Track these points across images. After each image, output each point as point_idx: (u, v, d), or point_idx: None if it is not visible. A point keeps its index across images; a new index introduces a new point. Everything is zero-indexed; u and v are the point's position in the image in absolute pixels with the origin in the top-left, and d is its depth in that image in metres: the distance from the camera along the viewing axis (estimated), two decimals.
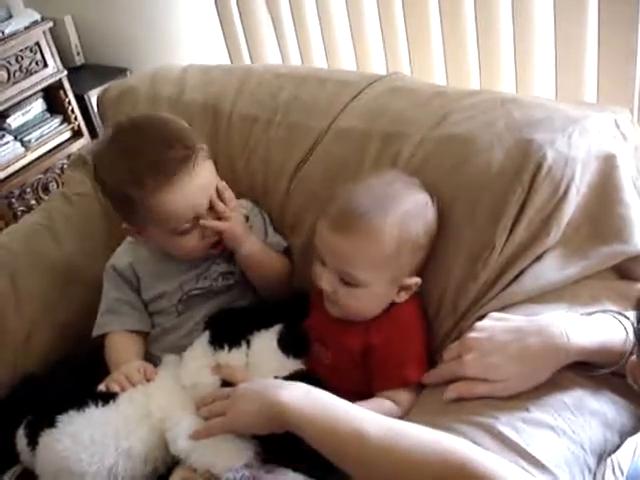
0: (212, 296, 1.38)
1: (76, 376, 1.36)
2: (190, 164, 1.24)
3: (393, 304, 1.20)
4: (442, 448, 0.88)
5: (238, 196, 1.40)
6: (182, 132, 1.30)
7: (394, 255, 1.13)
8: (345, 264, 1.15)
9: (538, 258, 1.15)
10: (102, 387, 1.26)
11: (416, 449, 0.89)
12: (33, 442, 1.19)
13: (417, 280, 1.19)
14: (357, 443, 0.92)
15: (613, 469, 1.21)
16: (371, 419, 0.94)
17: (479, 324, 1.07)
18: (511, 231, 1.15)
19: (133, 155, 1.25)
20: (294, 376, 1.17)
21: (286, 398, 0.99)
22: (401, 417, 1.11)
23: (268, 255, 1.38)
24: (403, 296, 1.19)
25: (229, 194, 1.33)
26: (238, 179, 1.49)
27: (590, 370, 1.01)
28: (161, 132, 1.28)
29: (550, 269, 1.14)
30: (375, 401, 1.16)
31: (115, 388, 1.24)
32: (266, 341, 1.25)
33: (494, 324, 1.06)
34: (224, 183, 1.34)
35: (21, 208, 2.63)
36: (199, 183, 1.26)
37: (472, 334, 1.06)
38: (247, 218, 1.41)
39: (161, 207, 1.24)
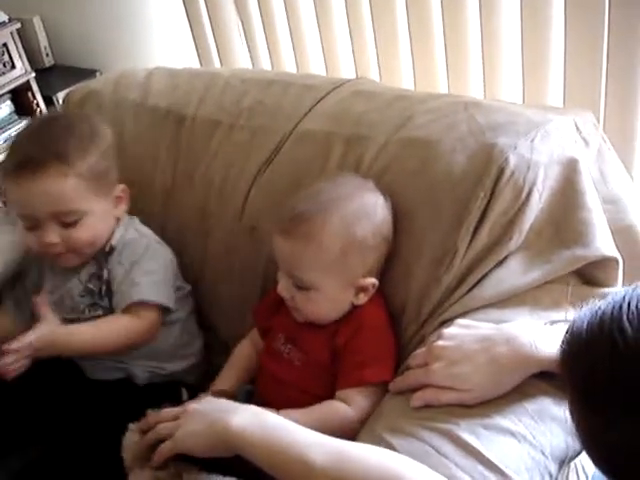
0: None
1: None
2: (36, 170, 1.25)
3: (357, 306, 1.19)
4: (386, 474, 0.87)
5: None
6: (59, 140, 1.30)
7: (340, 257, 1.14)
8: (293, 268, 1.17)
9: (500, 262, 1.15)
10: None
11: (360, 477, 0.88)
12: None
13: (373, 281, 1.18)
14: (303, 471, 0.90)
15: (577, 473, 1.21)
16: (318, 446, 0.92)
17: (446, 331, 1.06)
18: (473, 235, 1.15)
19: (15, 146, 1.37)
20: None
21: (234, 424, 0.97)
22: (356, 420, 1.12)
23: (93, 345, 1.30)
24: (362, 298, 1.19)
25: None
26: (194, 183, 1.50)
27: (555, 379, 1.01)
28: (46, 134, 1.33)
29: (512, 273, 1.14)
30: (327, 405, 1.15)
31: None
32: None
33: (462, 332, 1.06)
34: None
35: None
36: (39, 190, 1.26)
37: (440, 342, 1.05)
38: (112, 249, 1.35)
39: (7, 194, 1.31)
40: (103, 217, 1.33)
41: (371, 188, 1.20)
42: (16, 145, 1.37)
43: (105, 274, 1.33)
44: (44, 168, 1.25)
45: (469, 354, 1.01)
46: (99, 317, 1.34)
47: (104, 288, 1.33)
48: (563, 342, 0.74)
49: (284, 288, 1.19)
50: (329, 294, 1.17)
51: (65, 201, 1.27)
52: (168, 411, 1.08)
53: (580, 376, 0.71)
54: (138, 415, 1.13)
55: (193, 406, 1.05)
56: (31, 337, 1.21)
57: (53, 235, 1.28)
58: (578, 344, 0.71)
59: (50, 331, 1.25)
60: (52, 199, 1.26)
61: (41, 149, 1.28)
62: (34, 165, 1.25)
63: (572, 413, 0.74)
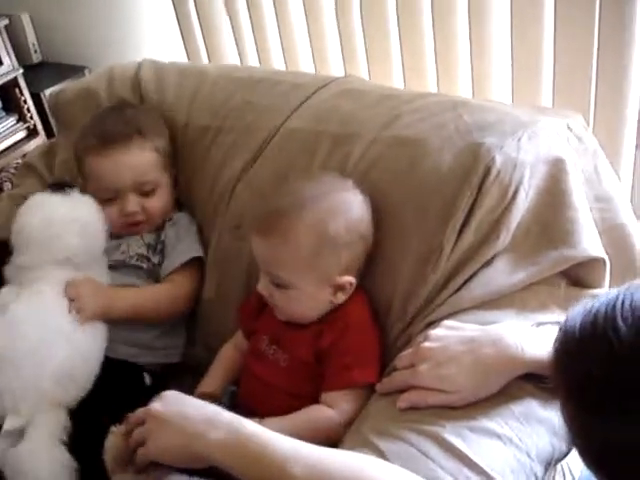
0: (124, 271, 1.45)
1: None
2: (122, 143, 1.41)
3: (341, 307, 1.19)
4: None
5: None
6: (137, 119, 1.48)
7: (313, 254, 1.14)
8: (268, 265, 1.18)
9: (488, 263, 1.14)
10: None
11: None
12: None
13: (350, 279, 1.17)
14: None
15: (564, 474, 1.20)
16: (297, 458, 0.89)
17: (433, 333, 1.06)
18: (460, 234, 1.14)
19: (95, 124, 1.48)
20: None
21: (211, 442, 0.93)
22: (341, 424, 1.11)
23: (147, 300, 1.42)
24: (341, 297, 1.18)
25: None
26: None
27: (541, 381, 1.00)
28: (124, 113, 1.50)
29: (500, 274, 1.14)
30: (311, 410, 1.15)
31: None
32: None
33: (448, 334, 1.05)
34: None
35: None
36: (124, 161, 1.42)
37: (426, 344, 1.05)
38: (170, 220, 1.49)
39: (91, 167, 1.44)
40: (169, 191, 1.49)
41: (349, 187, 1.20)
42: (94, 125, 1.48)
43: (162, 236, 1.47)
44: (129, 141, 1.42)
45: (455, 355, 1.01)
46: (140, 269, 1.45)
47: (159, 247, 1.46)
48: (556, 341, 0.73)
49: (263, 286, 1.20)
50: (306, 292, 1.17)
51: (146, 171, 1.44)
52: (133, 415, 1.03)
53: (574, 376, 0.70)
54: (99, 397, 1.27)
55: (157, 409, 0.99)
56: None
57: (134, 204, 1.43)
58: (572, 343, 0.70)
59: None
60: (135, 169, 1.42)
61: (124, 125, 1.44)
62: (119, 138, 1.42)
63: (565, 413, 0.73)
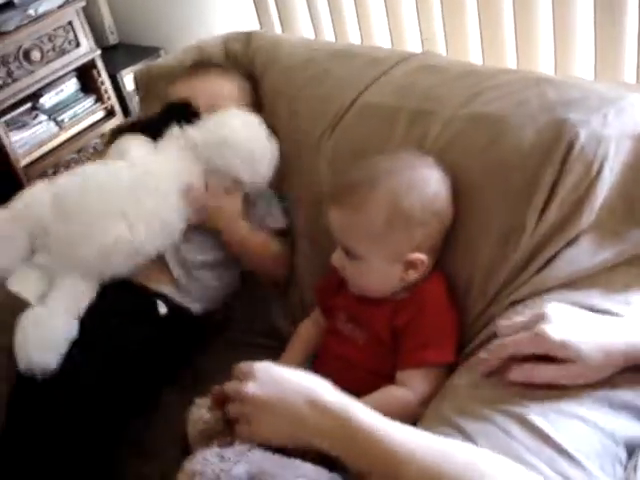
0: None
1: None
2: (204, 71, 1.55)
3: (417, 285, 1.18)
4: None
5: None
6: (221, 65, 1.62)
7: (385, 228, 1.14)
8: (342, 236, 1.19)
9: (571, 241, 1.11)
10: None
11: None
12: None
13: (421, 257, 1.16)
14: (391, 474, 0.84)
15: None
16: (413, 455, 0.83)
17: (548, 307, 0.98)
18: (542, 212, 1.12)
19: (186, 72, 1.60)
20: None
21: (317, 430, 0.89)
22: (416, 403, 1.11)
23: (254, 243, 1.46)
24: (412, 274, 1.17)
25: None
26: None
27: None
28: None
29: (584, 253, 1.11)
30: (386, 391, 1.14)
31: None
32: None
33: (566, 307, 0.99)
34: None
35: None
36: (202, 86, 1.52)
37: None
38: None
39: (171, 95, 1.51)
40: None
41: (429, 164, 1.19)
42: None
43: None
44: (208, 70, 1.56)
45: (578, 327, 0.95)
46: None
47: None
48: None
49: (337, 258, 1.21)
50: (375, 266, 1.17)
51: (220, 96, 1.51)
52: (220, 390, 1.00)
53: None
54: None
55: (256, 394, 0.94)
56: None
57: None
58: None
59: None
60: (211, 97, 1.49)
61: (212, 63, 1.61)
62: (201, 68, 1.57)
63: None
